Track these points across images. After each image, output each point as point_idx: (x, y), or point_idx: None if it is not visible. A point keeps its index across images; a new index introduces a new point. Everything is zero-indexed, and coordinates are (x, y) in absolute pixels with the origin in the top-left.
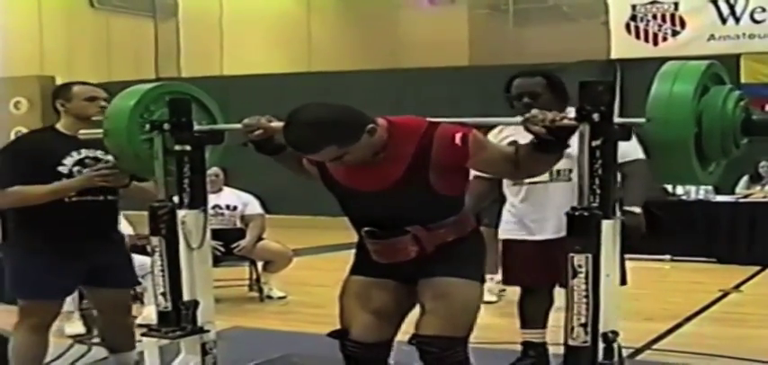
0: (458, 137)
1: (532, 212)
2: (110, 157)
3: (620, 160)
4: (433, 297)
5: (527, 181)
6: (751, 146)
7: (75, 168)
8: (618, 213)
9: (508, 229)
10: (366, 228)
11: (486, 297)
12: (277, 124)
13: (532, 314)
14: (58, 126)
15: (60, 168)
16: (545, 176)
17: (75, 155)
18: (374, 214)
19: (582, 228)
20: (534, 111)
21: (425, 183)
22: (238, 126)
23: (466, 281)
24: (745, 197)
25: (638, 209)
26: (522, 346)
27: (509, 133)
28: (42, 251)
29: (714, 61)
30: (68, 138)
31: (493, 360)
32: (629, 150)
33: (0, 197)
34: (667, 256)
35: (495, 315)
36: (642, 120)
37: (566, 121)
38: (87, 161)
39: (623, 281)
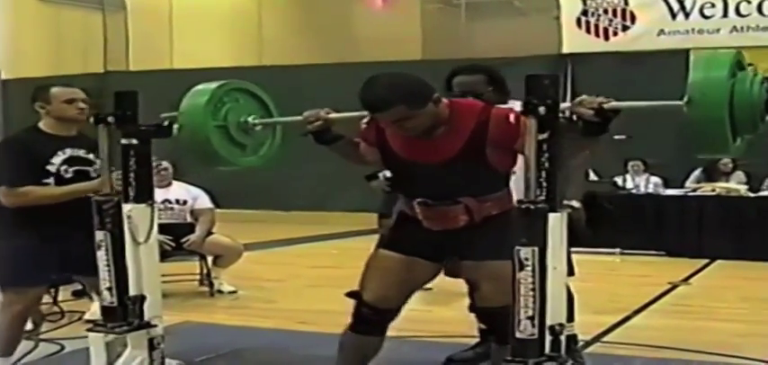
0: (512, 116)
1: None
2: (90, 156)
3: None
4: (488, 278)
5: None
6: None
7: (63, 167)
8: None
9: None
10: (419, 199)
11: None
12: (335, 116)
13: None
14: (41, 125)
15: (49, 167)
16: None
17: (61, 155)
18: (431, 185)
19: (528, 221)
20: (584, 96)
21: (482, 157)
22: (299, 118)
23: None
24: (694, 191)
25: (577, 204)
26: (479, 333)
27: None
28: (26, 239)
29: (739, 50)
30: (53, 138)
31: (444, 352)
32: None
33: (14, 197)
34: (617, 249)
35: (449, 308)
36: (680, 102)
37: (613, 104)
38: (73, 160)
39: (570, 272)
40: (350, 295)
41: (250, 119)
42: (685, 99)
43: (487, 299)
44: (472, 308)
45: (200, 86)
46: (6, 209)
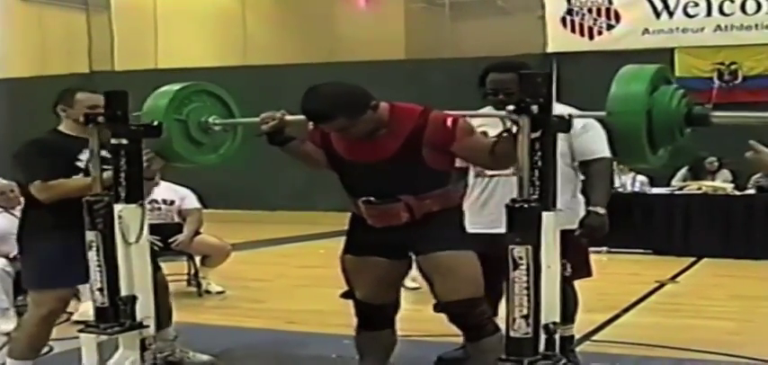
0: (449, 120)
1: (497, 204)
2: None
3: (584, 157)
4: (438, 271)
5: (494, 173)
6: (692, 141)
7: (90, 164)
8: (582, 211)
9: (471, 223)
10: (363, 198)
11: (409, 283)
12: (290, 118)
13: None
14: (61, 128)
15: (78, 164)
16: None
17: (87, 153)
18: (372, 183)
19: (522, 221)
20: None
21: (418, 157)
22: (256, 119)
23: (463, 253)
24: (681, 189)
25: (602, 210)
26: None
27: (478, 124)
28: (59, 241)
29: (663, 65)
30: (75, 139)
31: (434, 351)
32: (595, 148)
33: (45, 191)
34: (604, 248)
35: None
36: (603, 113)
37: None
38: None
39: (588, 273)
40: (344, 295)
41: (210, 119)
42: (606, 111)
43: (443, 294)
44: (436, 308)
45: (164, 88)
46: (43, 212)
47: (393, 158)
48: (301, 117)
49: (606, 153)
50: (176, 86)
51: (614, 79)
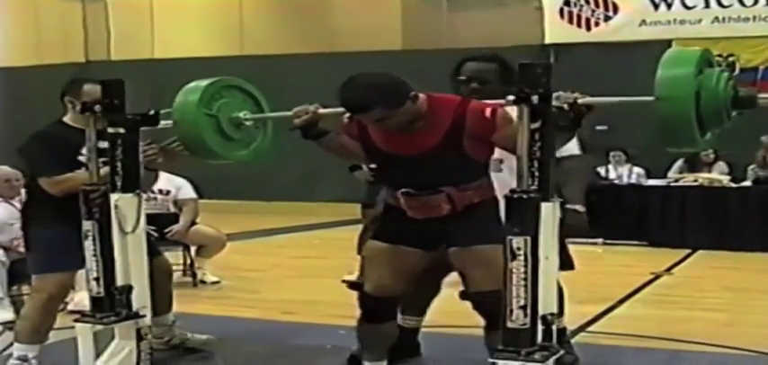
0: (488, 110)
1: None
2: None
3: (559, 154)
4: (476, 263)
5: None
6: None
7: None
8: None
9: None
10: (403, 190)
11: None
12: (323, 111)
13: (415, 300)
14: (67, 119)
15: (80, 158)
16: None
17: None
18: (413, 176)
19: (521, 211)
20: (560, 92)
21: (461, 149)
22: (289, 113)
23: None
24: (676, 181)
25: (581, 208)
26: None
27: None
28: (57, 227)
29: (707, 48)
30: (80, 131)
31: (434, 342)
32: (569, 145)
33: (54, 186)
34: (600, 240)
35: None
36: (651, 98)
37: (587, 99)
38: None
39: (571, 266)
40: (351, 286)
41: (241, 114)
42: (654, 95)
43: (477, 284)
44: (464, 295)
45: (192, 84)
46: (42, 200)
47: (434, 150)
48: (336, 109)
49: (577, 150)
50: (205, 82)
51: (660, 63)
